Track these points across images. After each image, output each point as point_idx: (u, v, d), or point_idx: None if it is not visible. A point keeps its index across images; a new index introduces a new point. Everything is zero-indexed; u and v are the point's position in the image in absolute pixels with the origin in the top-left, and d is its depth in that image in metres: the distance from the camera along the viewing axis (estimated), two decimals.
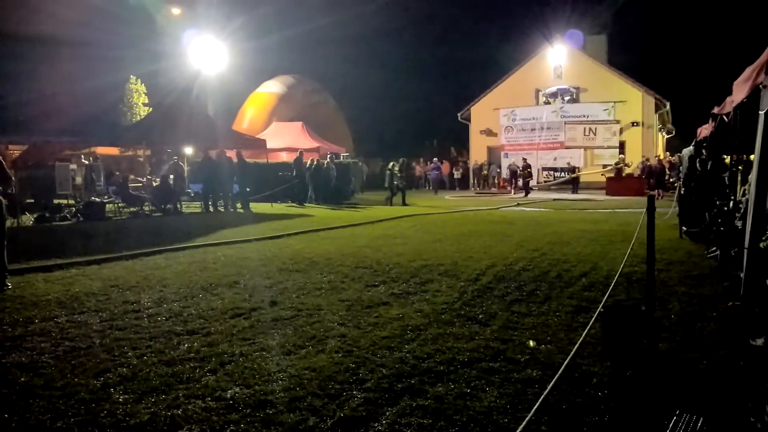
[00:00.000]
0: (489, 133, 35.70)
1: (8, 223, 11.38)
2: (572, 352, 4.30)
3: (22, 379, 4.10)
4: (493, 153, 35.70)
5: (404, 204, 21.42)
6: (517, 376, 4.11)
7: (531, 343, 4.77)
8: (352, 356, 4.52)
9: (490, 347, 4.71)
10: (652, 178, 24.97)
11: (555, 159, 33.56)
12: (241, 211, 19.11)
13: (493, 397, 3.76)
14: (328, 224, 14.04)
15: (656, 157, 22.28)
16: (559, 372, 3.84)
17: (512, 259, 8.73)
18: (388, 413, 3.54)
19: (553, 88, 33.83)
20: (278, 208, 20.19)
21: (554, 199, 23.94)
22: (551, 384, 3.70)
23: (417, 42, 49.85)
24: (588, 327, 4.84)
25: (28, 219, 15.25)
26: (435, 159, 33.79)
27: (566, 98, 33.72)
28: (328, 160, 23.84)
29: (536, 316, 5.65)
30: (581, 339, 4.58)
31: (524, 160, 29.17)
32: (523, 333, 5.10)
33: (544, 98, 34.33)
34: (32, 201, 17.95)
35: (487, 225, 13.73)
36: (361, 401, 3.71)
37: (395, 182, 22.11)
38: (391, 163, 22.63)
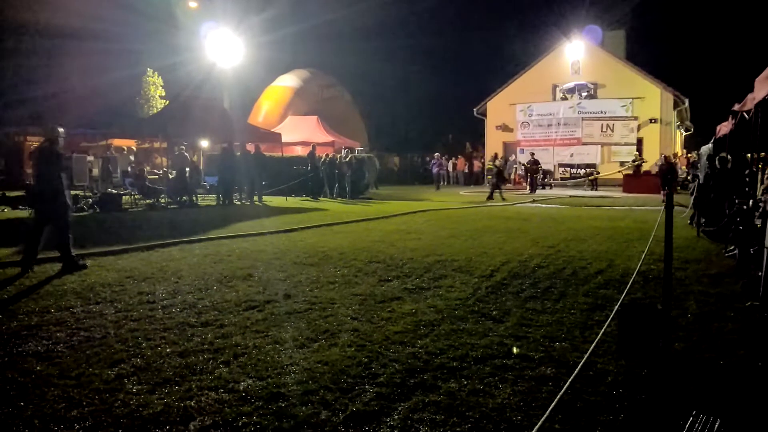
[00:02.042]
0: (505, 128, 35.48)
1: (26, 214, 11.55)
2: (588, 351, 4.26)
3: (38, 368, 4.13)
4: (509, 149, 35.48)
5: (502, 199, 21.40)
6: (530, 374, 4.08)
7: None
8: (364, 350, 4.51)
9: (503, 344, 4.68)
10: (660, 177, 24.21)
11: (572, 155, 33.27)
12: (258, 204, 19.18)
13: (507, 395, 3.73)
14: (341, 219, 14.04)
15: (662, 155, 21.73)
16: (576, 371, 3.80)
17: (527, 255, 8.67)
18: (400, 408, 3.52)
19: (571, 84, 33.50)
20: (293, 201, 20.24)
21: (570, 196, 23.76)
22: (567, 383, 3.66)
23: (434, 36, 49.62)
24: (604, 326, 4.79)
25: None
26: (437, 154, 33.51)
27: (584, 94, 33.38)
28: (343, 154, 23.82)
29: (551, 313, 5.61)
30: (597, 337, 4.53)
31: (532, 155, 28.94)
32: (538, 330, 5.06)
33: (561, 94, 34.03)
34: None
35: (502, 221, 13.66)
36: (374, 396, 3.70)
37: (491, 178, 22.26)
38: (490, 160, 22.84)
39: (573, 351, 4.53)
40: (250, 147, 21.25)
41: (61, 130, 7.92)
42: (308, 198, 21.69)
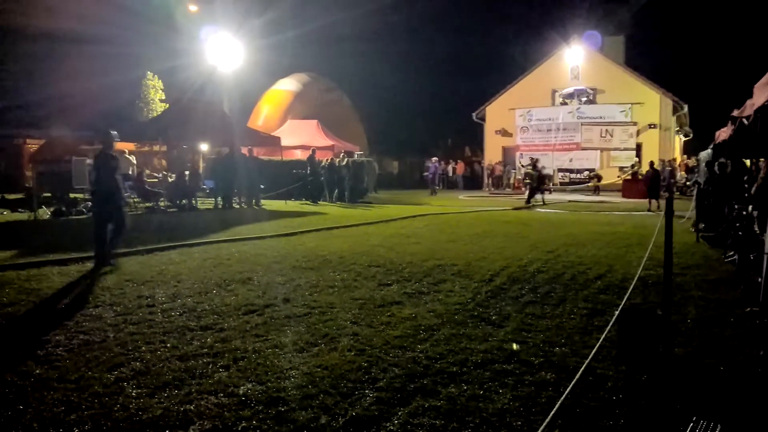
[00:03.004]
0: (504, 133, 35.52)
1: (25, 216, 11.58)
2: (588, 356, 4.26)
3: (37, 372, 4.13)
4: (508, 153, 35.51)
5: (528, 203, 21.38)
6: (530, 379, 4.07)
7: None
8: (364, 355, 4.51)
9: (503, 349, 4.68)
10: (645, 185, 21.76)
11: (571, 160, 33.32)
12: (256, 207, 19.17)
13: (507, 400, 3.73)
14: (341, 222, 14.04)
15: (650, 162, 21.13)
16: (576, 376, 3.80)
17: (526, 260, 8.67)
18: (400, 413, 3.52)
19: (570, 89, 33.57)
20: (292, 205, 20.23)
21: (570, 201, 23.77)
22: (568, 389, 3.65)
23: (432, 40, 49.70)
24: (604, 331, 4.79)
25: (44, 213, 15.40)
26: (434, 159, 33.45)
27: (583, 99, 33.46)
28: (340, 157, 23.83)
29: (550, 318, 5.60)
30: (597, 343, 4.53)
31: (530, 159, 28.97)
32: (537, 335, 5.05)
33: (561, 99, 34.10)
34: (49, 195, 18.12)
35: (502, 226, 13.66)
36: (374, 400, 3.69)
37: (529, 182, 22.20)
38: (528, 165, 22.91)
39: (573, 356, 4.53)
40: (244, 151, 21.24)
41: (114, 132, 8.68)
42: (308, 202, 21.69)
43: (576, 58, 33.49)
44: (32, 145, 26.52)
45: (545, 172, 30.62)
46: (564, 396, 3.55)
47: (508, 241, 10.77)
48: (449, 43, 49.15)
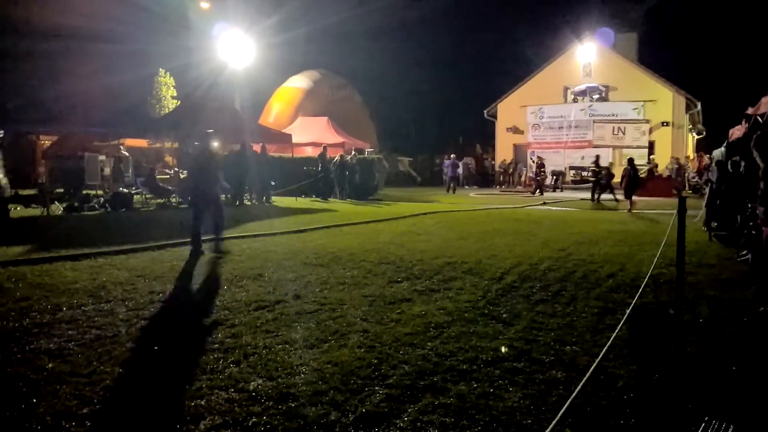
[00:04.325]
0: (516, 130, 35.40)
1: (38, 212, 11.65)
2: (599, 355, 4.23)
3: (50, 365, 4.16)
4: (519, 151, 35.40)
5: (597, 201, 21.28)
6: (541, 377, 4.06)
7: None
8: (374, 352, 4.51)
9: (513, 347, 4.66)
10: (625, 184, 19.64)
11: (583, 158, 33.14)
12: (267, 204, 19.23)
13: (517, 398, 3.72)
14: (351, 219, 14.05)
15: (629, 158, 19.71)
16: (587, 375, 3.78)
17: (537, 258, 8.64)
18: (410, 410, 3.52)
19: (582, 86, 33.41)
20: (303, 202, 20.27)
21: (582, 199, 23.64)
22: (579, 387, 3.64)
23: (444, 37, 49.58)
24: (615, 330, 4.77)
25: (57, 208, 15.53)
26: (452, 155, 33.41)
27: (595, 96, 33.28)
28: (352, 155, 23.87)
29: (561, 316, 5.58)
30: (609, 341, 4.50)
31: (539, 158, 28.89)
32: (548, 334, 5.03)
33: (573, 96, 33.92)
34: (62, 191, 18.28)
35: (512, 223, 13.61)
36: (383, 397, 3.69)
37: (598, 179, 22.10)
38: (592, 163, 22.84)
39: (583, 355, 4.51)
40: (257, 148, 21.33)
41: (210, 131, 9.55)
42: (318, 199, 21.73)
43: (588, 55, 33.32)
44: (45, 141, 26.74)
45: (558, 170, 30.62)
46: (574, 395, 3.54)
47: (518, 239, 10.74)
48: (461, 40, 48.99)
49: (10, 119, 28.13)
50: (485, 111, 36.91)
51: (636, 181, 18.60)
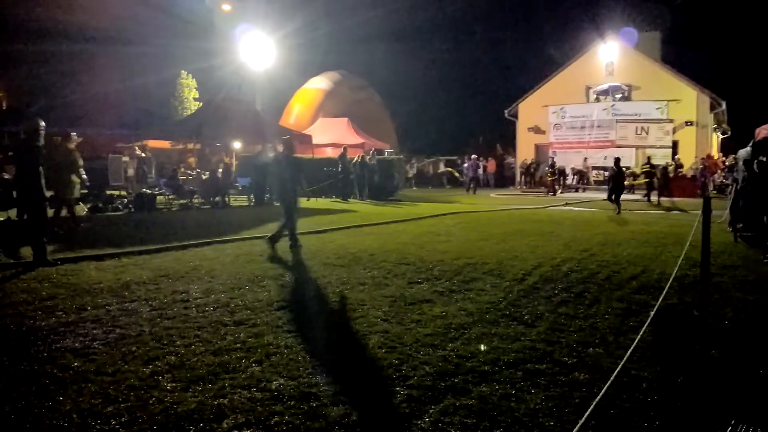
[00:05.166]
0: (537, 130, 35.13)
1: (63, 212, 11.84)
2: (623, 357, 4.18)
3: (75, 364, 4.22)
4: (540, 151, 35.12)
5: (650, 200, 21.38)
6: (563, 379, 4.02)
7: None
8: (395, 352, 4.51)
9: (536, 348, 4.63)
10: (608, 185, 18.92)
11: (605, 158, 32.75)
12: None
13: (539, 400, 3.69)
14: (371, 220, 14.06)
15: (616, 158, 18.67)
16: (611, 378, 3.74)
17: (560, 259, 8.57)
18: (431, 411, 3.51)
19: (605, 86, 33.03)
20: (323, 203, 20.33)
21: (604, 199, 23.39)
22: (603, 389, 3.60)
23: (464, 37, 49.43)
24: (639, 332, 4.71)
25: (81, 209, 15.74)
26: (473, 156, 33.24)
27: (618, 96, 32.90)
28: (370, 155, 23.90)
29: (584, 318, 5.53)
30: (632, 344, 4.45)
31: (551, 158, 28.68)
32: (570, 335, 4.99)
33: (595, 96, 33.58)
34: (86, 191, 18.52)
35: (534, 224, 13.52)
36: (404, 398, 3.69)
37: (657, 180, 22.03)
38: (645, 162, 22.80)
39: (607, 357, 4.46)
40: (280, 149, 21.47)
41: (287, 137, 10.71)
42: (338, 199, 21.78)
43: (611, 54, 32.95)
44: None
45: (580, 170, 30.28)
46: (598, 397, 3.50)
47: (540, 240, 10.66)
48: (481, 39, 48.76)
49: None
50: (506, 111, 36.70)
51: (621, 183, 17.83)
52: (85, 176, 12.39)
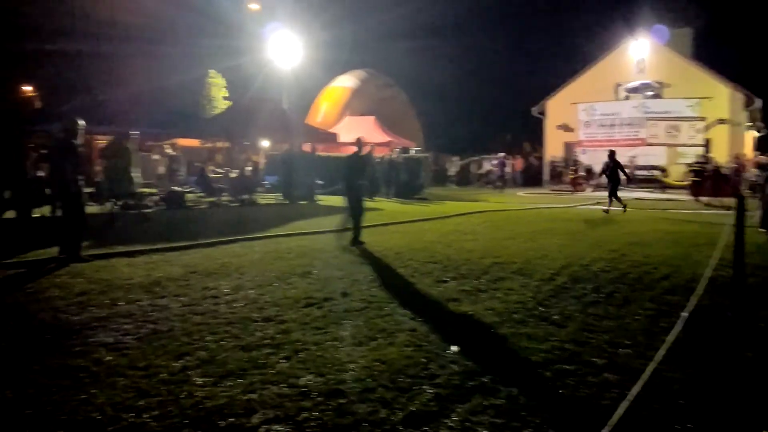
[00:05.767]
0: (566, 128, 34.75)
1: (94, 209, 12.14)
2: (654, 358, 4.12)
3: (108, 358, 4.30)
4: (569, 149, 34.73)
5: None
6: (593, 380, 3.98)
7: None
8: (422, 351, 4.50)
9: (565, 349, 4.58)
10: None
11: (635, 157, 32.25)
12: (316, 202, 19.47)
13: (569, 400, 3.65)
14: (397, 218, 14.06)
15: (611, 151, 17.65)
16: (643, 379, 3.69)
17: (589, 259, 8.46)
18: (459, 410, 3.50)
19: (635, 83, 32.52)
20: None
21: (635, 198, 23.05)
22: (634, 391, 3.55)
23: (491, 34, 49.10)
24: (671, 332, 4.64)
25: (113, 206, 16.02)
26: (500, 154, 32.97)
27: (648, 93, 32.38)
28: (396, 154, 23.90)
29: (614, 318, 5.45)
30: (664, 345, 4.38)
31: (574, 157, 28.31)
32: (601, 336, 4.92)
33: (625, 93, 33.09)
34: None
35: (562, 223, 13.38)
36: (432, 396, 3.68)
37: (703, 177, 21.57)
38: (702, 155, 22.32)
39: (638, 358, 4.39)
40: (307, 147, 21.61)
41: (360, 137, 10.96)
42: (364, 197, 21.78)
43: (641, 51, 32.43)
44: (101, 141, 27.58)
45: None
46: (629, 398, 3.46)
47: (569, 239, 10.54)
48: (508, 36, 48.37)
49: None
50: (533, 108, 36.37)
51: (618, 177, 16.88)
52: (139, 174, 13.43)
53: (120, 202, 16.30)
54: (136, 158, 14.34)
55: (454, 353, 4.45)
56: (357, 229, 10.05)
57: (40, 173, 14.47)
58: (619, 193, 16.61)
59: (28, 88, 41.42)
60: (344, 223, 10.38)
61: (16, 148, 14.43)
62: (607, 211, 16.01)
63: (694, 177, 22.86)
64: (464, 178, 35.80)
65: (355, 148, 10.68)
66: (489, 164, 35.02)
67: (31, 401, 3.56)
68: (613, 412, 3.42)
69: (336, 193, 21.76)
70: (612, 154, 17.31)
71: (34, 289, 6.43)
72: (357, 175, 10.35)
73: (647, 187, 29.01)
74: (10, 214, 13.14)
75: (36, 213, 12.64)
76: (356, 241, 9.85)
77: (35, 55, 36.20)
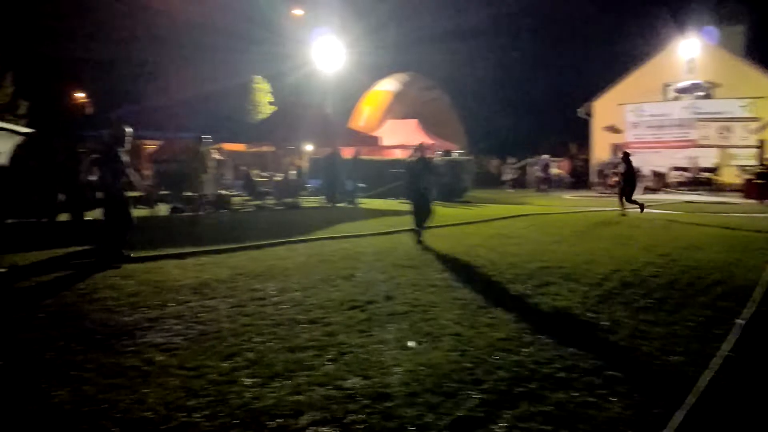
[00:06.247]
0: (613, 129, 34.01)
1: (145, 212, 12.51)
2: (708, 366, 4.00)
3: (160, 358, 4.41)
4: (616, 151, 33.96)
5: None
6: (645, 388, 3.88)
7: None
8: (467, 356, 4.47)
9: (615, 355, 4.48)
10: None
11: (686, 158, 31.35)
12: (352, 206, 19.59)
13: (620, 408, 3.57)
14: (440, 222, 13.98)
15: (625, 153, 17.10)
16: (698, 388, 3.58)
17: (639, 263, 8.26)
18: (506, 416, 3.46)
19: (685, 83, 31.63)
20: (390, 204, 20.40)
21: (685, 201, 22.43)
22: (692, 402, 3.44)
23: (536, 34, 48.40)
24: (725, 340, 4.49)
25: (163, 209, 16.46)
26: (543, 156, 32.41)
27: (699, 94, 31.46)
28: (438, 156, 23.81)
29: (665, 325, 5.30)
30: (717, 352, 4.25)
31: (618, 159, 27.56)
32: (652, 342, 4.80)
33: (674, 93, 32.23)
34: (167, 192, 19.34)
35: (611, 227, 13.10)
36: (478, 402, 3.65)
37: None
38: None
39: (690, 366, 4.26)
40: (350, 151, 21.76)
41: (421, 143, 12.13)
42: (405, 201, 21.76)
43: (691, 50, 31.52)
44: (150, 146, 28.35)
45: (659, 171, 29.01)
46: (683, 407, 3.36)
47: (618, 244, 10.31)
48: (553, 36, 47.66)
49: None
50: (579, 110, 35.74)
51: (633, 180, 16.34)
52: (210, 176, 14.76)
53: (171, 206, 16.75)
54: (210, 161, 15.56)
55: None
56: (421, 227, 10.59)
57: (92, 177, 14.96)
58: (672, 196, 16.23)
59: (80, 95, 42.97)
60: (414, 224, 10.76)
61: (69, 153, 14.96)
62: (639, 211, 15.75)
63: (758, 180, 22.03)
64: (519, 181, 34.72)
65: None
66: (510, 168, 34.64)
67: (88, 400, 3.67)
68: (668, 421, 3.33)
69: (379, 196, 21.92)
70: (626, 155, 16.79)
71: (87, 290, 6.63)
72: (421, 180, 10.84)
73: (698, 190, 28.18)
74: (63, 216, 13.65)
75: (88, 216, 13.04)
76: (418, 239, 10.40)
77: (87, 63, 37.51)
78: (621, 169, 16.66)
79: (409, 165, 11.35)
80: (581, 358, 4.40)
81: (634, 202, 16.04)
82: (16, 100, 32.97)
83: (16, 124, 25.24)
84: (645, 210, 16.00)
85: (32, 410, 3.53)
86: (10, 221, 13.18)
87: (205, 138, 16.04)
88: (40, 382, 3.93)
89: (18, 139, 16.19)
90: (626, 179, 16.22)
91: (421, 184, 10.84)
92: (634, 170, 16.84)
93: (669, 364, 4.32)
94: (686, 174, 30.91)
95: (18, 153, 15.78)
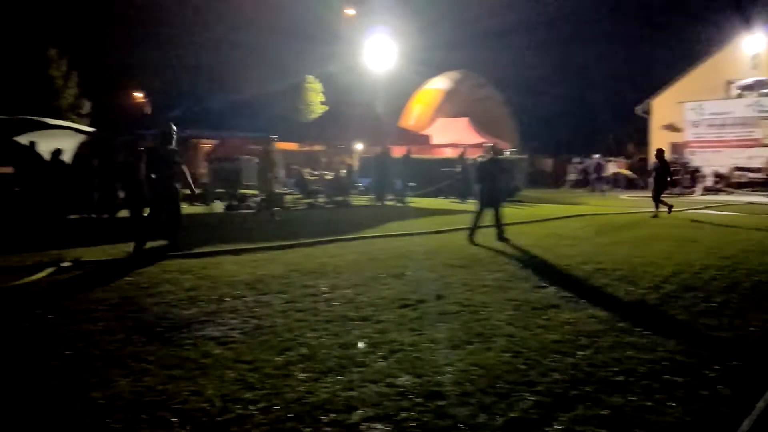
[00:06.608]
0: (672, 128, 32.96)
1: (201, 210, 12.85)
2: None
3: (216, 352, 4.52)
4: (676, 150, 32.94)
5: None
6: (705, 393, 3.75)
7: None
8: (521, 357, 4.41)
9: (674, 360, 4.35)
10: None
11: (750, 158, 30.09)
12: (402, 204, 19.61)
13: (679, 414, 3.46)
14: (490, 222, 13.83)
15: (658, 150, 16.35)
16: (766, 399, 3.44)
17: (699, 266, 7.98)
18: (561, 419, 3.40)
19: (749, 80, 30.37)
20: (441, 203, 20.34)
21: (749, 203, 21.55)
22: (760, 410, 3.31)
23: (590, 30, 47.35)
24: None
25: (218, 206, 16.86)
26: (596, 155, 31.61)
27: (764, 91, 30.14)
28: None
29: (728, 330, 5.12)
30: None
31: (681, 157, 26.70)
32: (713, 347, 4.64)
33: (738, 91, 30.98)
34: (222, 190, 19.82)
35: (670, 228, 12.69)
36: (532, 404, 3.60)
37: None
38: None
39: (754, 372, 4.10)
40: (401, 150, 21.80)
41: (489, 144, 12.26)
42: (456, 200, 21.67)
43: (756, 45, 30.26)
44: (206, 145, 29.09)
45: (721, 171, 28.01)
46: (750, 415, 3.23)
47: (677, 246, 9.98)
48: (610, 32, 46.53)
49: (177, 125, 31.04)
50: (636, 108, 34.78)
51: (665, 179, 15.75)
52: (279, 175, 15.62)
53: (226, 203, 17.16)
54: (279, 161, 16.59)
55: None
56: (500, 226, 10.68)
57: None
58: (735, 197, 15.60)
59: (139, 95, 44.48)
60: (498, 225, 10.75)
61: (129, 151, 15.52)
62: (656, 215, 15.27)
63: None
64: (581, 182, 33.52)
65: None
66: (575, 167, 33.78)
67: (147, 390, 3.80)
68: (729, 428, 3.22)
69: (429, 195, 21.88)
70: (660, 153, 16.18)
71: (147, 284, 6.84)
72: (494, 180, 10.85)
73: (762, 191, 27.02)
74: (123, 213, 14.17)
75: (146, 212, 13.49)
76: (501, 237, 10.53)
77: (146, 64, 38.78)
78: (654, 167, 16.14)
79: (481, 165, 11.35)
80: (639, 363, 4.29)
81: (662, 202, 15.55)
82: (80, 99, 34.41)
83: (80, 123, 26.35)
84: (690, 211, 15.39)
85: (95, 398, 3.67)
86: (72, 217, 13.77)
87: (272, 138, 16.64)
88: (103, 372, 4.09)
89: (82, 137, 16.92)
90: (657, 178, 15.75)
91: (494, 184, 10.81)
92: (669, 169, 16.30)
93: (732, 370, 4.16)
94: (749, 174, 29.66)
95: (81, 151, 16.49)
